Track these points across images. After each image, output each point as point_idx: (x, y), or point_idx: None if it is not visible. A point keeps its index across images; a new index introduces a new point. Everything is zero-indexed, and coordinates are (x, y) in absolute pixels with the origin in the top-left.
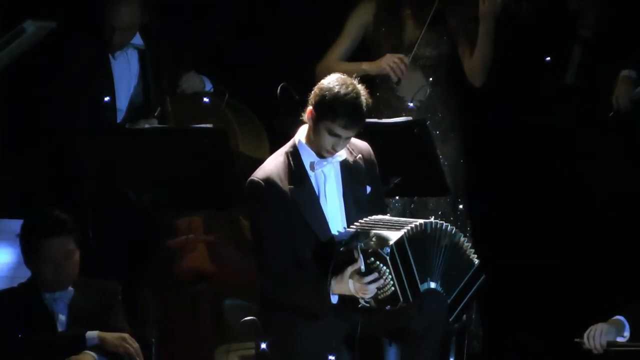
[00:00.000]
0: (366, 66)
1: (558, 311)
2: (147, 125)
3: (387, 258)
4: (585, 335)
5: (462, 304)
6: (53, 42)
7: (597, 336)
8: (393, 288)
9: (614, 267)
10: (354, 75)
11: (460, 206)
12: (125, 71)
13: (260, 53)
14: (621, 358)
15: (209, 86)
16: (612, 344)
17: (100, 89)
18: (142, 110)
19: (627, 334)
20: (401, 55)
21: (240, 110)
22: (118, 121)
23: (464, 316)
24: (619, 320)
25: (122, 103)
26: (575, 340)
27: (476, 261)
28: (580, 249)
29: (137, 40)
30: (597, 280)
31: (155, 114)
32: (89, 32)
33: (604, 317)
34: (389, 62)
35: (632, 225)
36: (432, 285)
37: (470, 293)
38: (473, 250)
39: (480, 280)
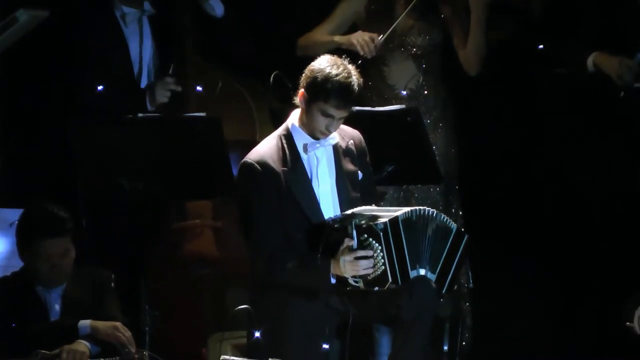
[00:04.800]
0: (338, 39)
1: (551, 301)
2: (163, 84)
3: (380, 234)
4: (636, 319)
5: (450, 273)
6: (60, 22)
7: None
8: (383, 267)
9: (608, 259)
10: (343, 56)
11: (451, 196)
12: (139, 40)
13: (256, 42)
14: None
15: (220, 9)
16: None
17: (115, 61)
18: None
19: None
20: (373, 35)
21: (259, 95)
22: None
23: (460, 300)
24: None
25: (143, 72)
26: (627, 324)
27: (453, 226)
28: (574, 239)
29: (147, 7)
30: (591, 271)
31: (170, 72)
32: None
33: (601, 310)
34: (358, 38)
35: (626, 216)
36: (422, 272)
37: (456, 259)
38: (449, 219)
39: (463, 243)
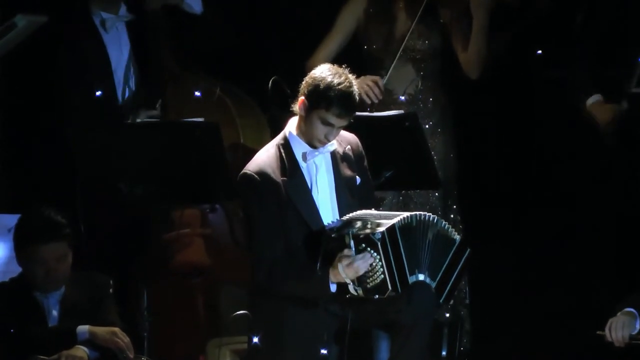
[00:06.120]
0: None
1: (550, 306)
2: (147, 117)
3: (378, 244)
4: (607, 328)
5: (450, 283)
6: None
7: (619, 329)
8: (382, 276)
9: (608, 263)
10: (343, 65)
11: (450, 201)
12: (118, 46)
13: (254, 45)
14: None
15: (198, 6)
16: (634, 338)
17: (96, 68)
18: (141, 90)
19: (638, 326)
20: (375, 78)
21: (241, 101)
22: (120, 102)
23: (458, 308)
24: (632, 312)
25: (119, 82)
26: (598, 332)
27: (457, 237)
28: (573, 243)
29: (124, 13)
30: (590, 275)
31: (157, 106)
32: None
33: (597, 311)
34: (362, 85)
35: (625, 219)
36: (421, 277)
37: (457, 270)
38: (454, 230)
39: (465, 255)
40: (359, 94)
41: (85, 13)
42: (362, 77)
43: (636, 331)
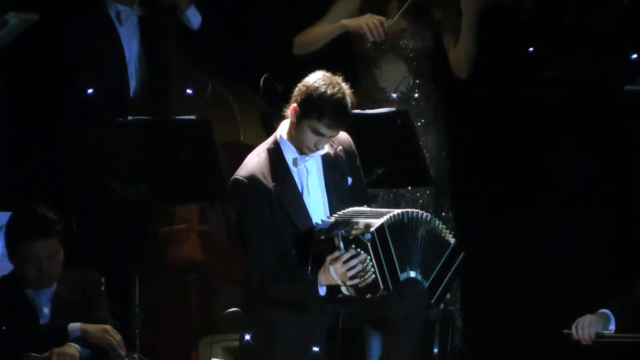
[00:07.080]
0: (345, 22)
1: (542, 304)
2: None
3: (368, 244)
4: (574, 326)
5: (442, 285)
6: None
7: (585, 327)
8: (374, 275)
9: (598, 261)
10: (337, 74)
11: (442, 199)
12: (131, 39)
13: (247, 44)
14: (607, 349)
15: (197, 21)
16: (600, 336)
17: (111, 61)
18: (149, 84)
19: (612, 327)
20: (382, 18)
21: (244, 98)
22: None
23: (449, 306)
24: (605, 313)
25: (132, 75)
26: (564, 331)
27: (452, 240)
28: (566, 242)
29: (135, 6)
30: (585, 274)
31: None
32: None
33: (589, 310)
34: (367, 22)
35: (616, 217)
36: (412, 274)
37: (450, 273)
38: (448, 231)
39: (459, 259)
40: (365, 30)
41: (101, 5)
42: (369, 14)
43: (611, 332)
